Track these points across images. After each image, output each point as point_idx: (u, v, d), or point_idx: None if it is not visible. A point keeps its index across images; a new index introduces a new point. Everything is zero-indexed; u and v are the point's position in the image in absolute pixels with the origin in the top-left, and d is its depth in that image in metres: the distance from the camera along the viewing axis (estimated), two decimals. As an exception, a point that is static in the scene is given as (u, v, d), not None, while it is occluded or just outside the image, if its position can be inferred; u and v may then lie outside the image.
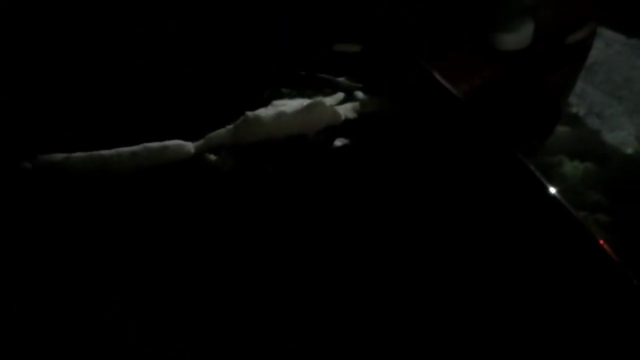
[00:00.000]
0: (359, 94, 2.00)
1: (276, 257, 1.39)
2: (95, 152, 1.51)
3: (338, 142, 1.77)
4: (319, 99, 1.84)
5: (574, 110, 5.08)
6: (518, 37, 2.76)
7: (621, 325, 1.40)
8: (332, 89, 2.03)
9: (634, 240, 3.21)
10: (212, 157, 1.62)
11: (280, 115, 1.73)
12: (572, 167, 4.17)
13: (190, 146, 1.62)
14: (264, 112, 1.74)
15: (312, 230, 1.48)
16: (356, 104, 1.95)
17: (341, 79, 2.07)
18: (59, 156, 1.48)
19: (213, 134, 1.67)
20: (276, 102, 1.88)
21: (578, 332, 1.35)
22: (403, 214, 1.57)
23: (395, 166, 1.75)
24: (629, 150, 4.55)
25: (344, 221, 1.52)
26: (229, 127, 1.69)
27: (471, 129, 2.03)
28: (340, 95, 2.01)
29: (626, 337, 1.37)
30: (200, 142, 1.65)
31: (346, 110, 1.90)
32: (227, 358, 1.20)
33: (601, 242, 1.57)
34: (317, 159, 1.72)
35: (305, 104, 1.80)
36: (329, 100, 1.92)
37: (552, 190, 1.73)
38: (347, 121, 1.86)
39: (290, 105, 1.85)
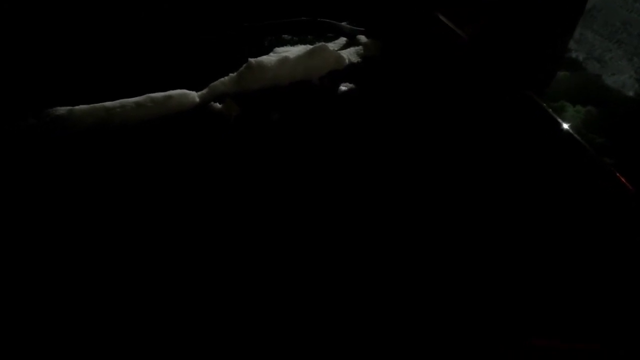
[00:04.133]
0: (362, 38, 1.96)
1: (284, 205, 1.38)
2: (98, 104, 1.48)
3: (343, 87, 1.74)
4: (321, 43, 1.80)
5: (573, 55, 5.02)
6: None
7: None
8: (334, 34, 1.99)
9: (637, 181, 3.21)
10: (217, 105, 1.59)
11: (284, 60, 1.70)
12: (574, 112, 4.13)
13: (194, 95, 1.59)
14: (267, 59, 1.70)
15: (319, 177, 1.46)
16: (359, 48, 1.91)
17: (343, 24, 2.03)
18: (63, 109, 1.45)
19: (217, 82, 1.64)
20: (278, 49, 1.84)
21: (598, 257, 1.35)
22: (412, 159, 1.55)
23: (402, 109, 1.72)
24: (630, 93, 4.51)
25: (350, 166, 1.50)
26: (232, 75, 1.66)
27: (479, 70, 2.00)
28: (342, 40, 1.97)
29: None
30: (204, 91, 1.62)
31: (349, 55, 1.86)
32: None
33: (617, 174, 1.57)
34: (322, 104, 1.69)
35: (307, 49, 1.77)
36: (331, 45, 1.88)
37: (565, 126, 1.71)
38: (351, 65, 1.83)
39: (293, 51, 1.81)
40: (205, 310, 1.15)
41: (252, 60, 1.66)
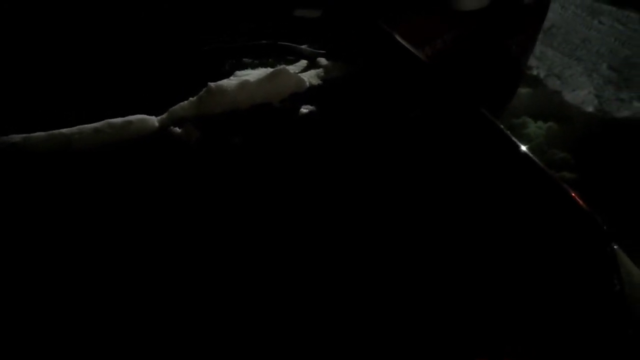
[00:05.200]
0: (322, 61, 1.99)
1: (248, 228, 1.38)
2: (55, 131, 1.47)
3: (304, 109, 1.76)
4: (282, 67, 1.81)
5: (534, 72, 5.15)
6: (477, -3, 2.77)
7: (593, 268, 1.44)
8: (295, 57, 2.01)
9: (598, 195, 3.29)
10: (177, 130, 1.58)
11: (244, 84, 1.71)
12: (536, 128, 4.24)
13: (154, 120, 1.59)
14: (227, 83, 1.71)
15: (282, 199, 1.47)
16: (320, 71, 1.94)
17: (303, 47, 2.05)
18: (18, 137, 1.43)
19: (176, 107, 1.64)
20: (239, 73, 1.85)
21: (555, 278, 1.37)
22: (373, 179, 1.57)
23: (363, 130, 1.74)
24: (590, 109, 4.64)
25: (313, 189, 1.51)
26: (192, 99, 1.66)
27: (436, 90, 2.04)
28: (303, 62, 1.99)
29: (598, 278, 1.41)
30: (164, 115, 1.62)
31: (310, 77, 1.89)
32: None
33: (572, 194, 1.61)
34: (283, 126, 1.70)
35: (268, 72, 1.78)
36: (292, 68, 1.90)
37: (523, 147, 1.75)
38: (312, 88, 1.85)
39: (253, 74, 1.82)
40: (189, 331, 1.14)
41: (211, 84, 1.66)
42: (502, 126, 1.85)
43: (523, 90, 4.57)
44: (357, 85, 1.92)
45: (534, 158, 1.71)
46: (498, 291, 1.32)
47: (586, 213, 1.57)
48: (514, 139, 1.79)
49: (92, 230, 1.31)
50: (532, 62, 5.17)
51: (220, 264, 1.28)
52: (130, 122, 1.54)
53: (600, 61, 5.54)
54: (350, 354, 1.14)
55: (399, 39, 2.08)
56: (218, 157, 1.56)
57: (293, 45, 2.04)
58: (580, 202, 1.60)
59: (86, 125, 1.50)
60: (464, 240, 1.41)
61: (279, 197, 1.46)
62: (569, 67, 5.39)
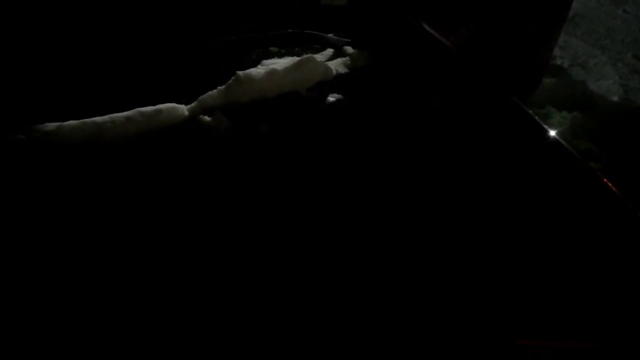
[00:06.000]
0: (349, 49, 1.98)
1: (274, 216, 1.38)
2: (88, 120, 1.48)
3: (331, 98, 1.76)
4: (309, 55, 1.81)
5: (558, 62, 5.08)
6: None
7: (624, 251, 1.42)
8: (321, 46, 2.01)
9: (623, 185, 3.24)
10: (206, 118, 1.60)
11: (272, 72, 1.71)
12: (560, 118, 4.18)
13: (183, 108, 1.60)
14: (255, 71, 1.72)
15: (309, 188, 1.47)
16: (346, 59, 1.93)
17: (329, 35, 2.05)
18: (52, 125, 1.45)
19: (205, 96, 1.65)
20: (266, 62, 1.86)
21: (590, 263, 1.36)
22: (401, 167, 1.56)
23: (389, 118, 1.74)
24: (615, 98, 4.57)
25: (340, 177, 1.51)
26: (221, 88, 1.67)
27: (465, 78, 2.02)
28: (329, 51, 1.99)
29: (628, 260, 1.39)
30: (193, 104, 1.63)
31: (337, 66, 1.88)
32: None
33: (604, 179, 1.59)
34: (310, 115, 1.70)
35: (295, 61, 1.79)
36: (319, 57, 1.90)
37: (552, 133, 1.73)
38: (339, 76, 1.85)
39: (280, 63, 1.83)
40: (203, 314, 1.15)
41: (240, 73, 1.67)
42: (531, 112, 1.84)
43: (547, 80, 4.51)
44: (384, 74, 1.92)
45: (564, 143, 1.70)
46: (533, 278, 1.32)
47: (617, 197, 1.55)
48: (545, 126, 1.77)
49: (124, 217, 1.33)
50: (555, 51, 5.10)
51: (249, 248, 1.29)
52: (160, 110, 1.56)
53: (625, 50, 5.46)
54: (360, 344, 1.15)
55: (426, 26, 2.06)
56: (246, 145, 1.57)
57: (319, 33, 2.03)
58: (613, 188, 1.58)
59: (118, 114, 1.52)
60: (493, 229, 1.41)
61: (306, 185, 1.47)
62: (593, 56, 5.31)
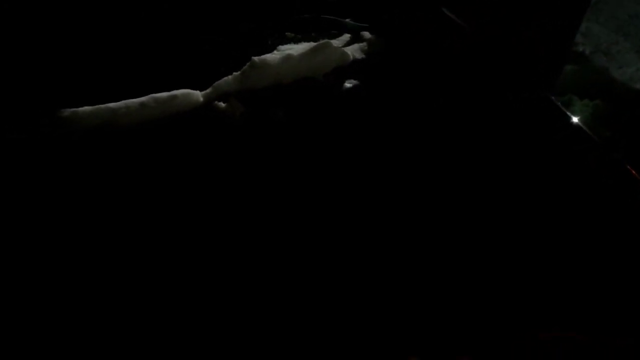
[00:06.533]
0: (366, 34, 1.95)
1: (289, 203, 1.37)
2: (102, 105, 1.48)
3: (348, 84, 1.73)
4: (325, 40, 1.79)
5: (580, 49, 4.98)
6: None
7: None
8: (338, 31, 1.98)
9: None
10: (222, 104, 1.58)
11: (288, 58, 1.69)
12: (582, 106, 4.10)
13: (198, 94, 1.59)
14: (270, 57, 1.69)
15: (325, 174, 1.45)
16: (363, 45, 1.90)
17: (347, 20, 2.02)
18: (67, 111, 1.45)
19: (221, 82, 1.64)
20: (282, 47, 1.83)
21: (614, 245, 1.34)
22: (418, 156, 1.54)
23: (407, 105, 1.71)
24: (638, 86, 4.48)
25: (356, 163, 1.49)
26: (236, 74, 1.66)
27: (485, 65, 1.98)
28: (346, 36, 1.96)
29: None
30: (209, 90, 1.62)
31: (354, 51, 1.85)
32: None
33: (628, 166, 1.56)
34: (327, 101, 1.68)
35: (311, 46, 1.76)
36: (335, 42, 1.87)
37: (575, 119, 1.70)
38: (356, 62, 1.82)
39: (296, 49, 1.80)
40: (209, 309, 1.14)
41: (255, 58, 1.65)
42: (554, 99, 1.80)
43: (568, 68, 4.42)
44: (402, 60, 1.88)
45: (588, 131, 1.66)
46: (552, 272, 1.29)
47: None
48: (567, 112, 1.74)
49: (141, 201, 1.33)
50: (577, 38, 5.01)
51: (263, 235, 1.27)
52: (175, 96, 1.55)
53: (650, 37, 5.33)
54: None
55: (446, 11, 2.02)
56: (262, 131, 1.55)
57: (336, 18, 2.00)
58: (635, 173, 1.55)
59: (132, 100, 1.51)
60: (528, 215, 1.39)
61: (323, 170, 1.45)
62: (616, 43, 5.20)
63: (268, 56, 1.70)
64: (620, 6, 6.03)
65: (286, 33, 1.89)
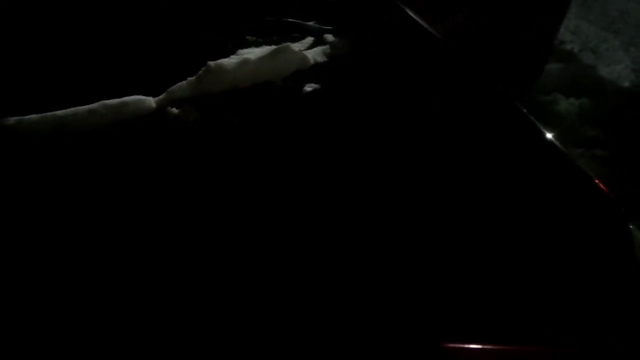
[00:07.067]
0: (329, 37, 1.93)
1: (246, 210, 1.34)
2: (49, 113, 1.44)
3: (307, 87, 1.71)
4: (285, 44, 1.76)
5: (568, 46, 4.96)
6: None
7: (611, 247, 1.39)
8: (301, 34, 1.95)
9: (631, 172, 3.16)
10: (175, 110, 1.55)
11: (245, 62, 1.66)
12: (567, 104, 4.08)
13: (150, 101, 1.55)
14: (227, 61, 1.67)
15: (283, 180, 1.42)
16: (326, 47, 1.88)
17: (310, 23, 1.99)
18: (12, 120, 1.42)
19: (174, 87, 1.60)
20: (241, 51, 1.80)
21: (574, 256, 1.33)
22: (380, 163, 1.51)
23: (369, 108, 1.69)
24: (626, 84, 4.45)
25: (316, 169, 1.46)
26: (191, 79, 1.63)
27: (453, 69, 1.96)
28: (309, 39, 1.93)
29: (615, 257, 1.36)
30: (162, 96, 1.58)
31: (315, 54, 1.83)
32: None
33: (596, 180, 1.56)
34: (285, 105, 1.65)
35: (270, 50, 1.74)
36: (297, 46, 1.84)
37: (545, 132, 1.70)
38: (317, 65, 1.80)
39: (256, 53, 1.77)
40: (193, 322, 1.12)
41: (210, 63, 1.62)
42: (521, 107, 1.78)
43: (554, 66, 4.40)
44: (365, 63, 1.86)
45: (557, 142, 1.66)
46: (517, 271, 1.28)
47: (605, 196, 1.52)
48: (537, 123, 1.73)
49: (87, 213, 1.29)
50: (566, 36, 4.99)
51: (218, 248, 1.24)
52: (126, 103, 1.52)
53: (639, 34, 5.30)
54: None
55: (410, 13, 2.00)
56: (217, 139, 1.52)
57: (299, 21, 1.98)
58: (601, 185, 1.55)
59: (81, 107, 1.48)
60: (481, 226, 1.36)
61: (279, 180, 1.42)
62: (605, 40, 5.18)
63: (224, 60, 1.67)
64: (610, 3, 5.99)
65: (247, 37, 1.86)
